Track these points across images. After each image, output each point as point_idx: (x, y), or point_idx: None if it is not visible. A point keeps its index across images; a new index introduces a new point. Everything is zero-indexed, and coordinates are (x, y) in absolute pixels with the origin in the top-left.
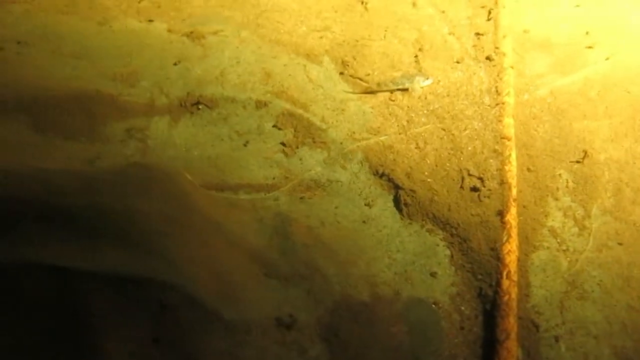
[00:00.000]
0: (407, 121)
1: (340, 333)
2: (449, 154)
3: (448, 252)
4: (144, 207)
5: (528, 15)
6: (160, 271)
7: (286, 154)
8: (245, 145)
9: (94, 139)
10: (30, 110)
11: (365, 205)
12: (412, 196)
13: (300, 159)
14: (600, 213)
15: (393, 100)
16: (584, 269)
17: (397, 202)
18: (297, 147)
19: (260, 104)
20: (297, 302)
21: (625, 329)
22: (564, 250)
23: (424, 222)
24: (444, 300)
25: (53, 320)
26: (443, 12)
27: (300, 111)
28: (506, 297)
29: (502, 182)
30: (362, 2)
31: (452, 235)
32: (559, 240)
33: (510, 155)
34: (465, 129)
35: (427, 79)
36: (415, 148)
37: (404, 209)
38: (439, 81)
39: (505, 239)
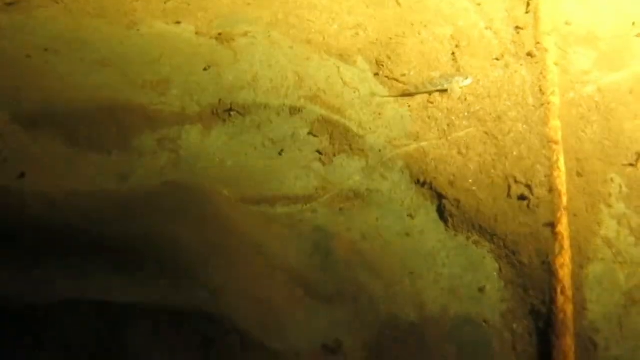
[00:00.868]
0: (448, 125)
1: (387, 357)
2: (493, 159)
3: (496, 265)
4: (182, 232)
5: (569, 5)
6: (203, 302)
7: (323, 163)
8: (280, 154)
9: (126, 151)
10: (61, 125)
11: (407, 216)
12: (457, 206)
13: (338, 168)
14: None
15: (432, 103)
16: None
17: (441, 212)
18: (334, 155)
19: (294, 110)
20: (342, 326)
21: None
22: (620, 263)
23: (470, 233)
24: (494, 318)
25: (97, 357)
26: (479, 4)
27: (336, 117)
28: (561, 315)
29: (552, 190)
30: None
31: (500, 247)
32: (614, 251)
33: (558, 160)
34: (509, 132)
35: (467, 78)
36: (458, 154)
37: (449, 220)
38: (479, 81)
39: (557, 251)
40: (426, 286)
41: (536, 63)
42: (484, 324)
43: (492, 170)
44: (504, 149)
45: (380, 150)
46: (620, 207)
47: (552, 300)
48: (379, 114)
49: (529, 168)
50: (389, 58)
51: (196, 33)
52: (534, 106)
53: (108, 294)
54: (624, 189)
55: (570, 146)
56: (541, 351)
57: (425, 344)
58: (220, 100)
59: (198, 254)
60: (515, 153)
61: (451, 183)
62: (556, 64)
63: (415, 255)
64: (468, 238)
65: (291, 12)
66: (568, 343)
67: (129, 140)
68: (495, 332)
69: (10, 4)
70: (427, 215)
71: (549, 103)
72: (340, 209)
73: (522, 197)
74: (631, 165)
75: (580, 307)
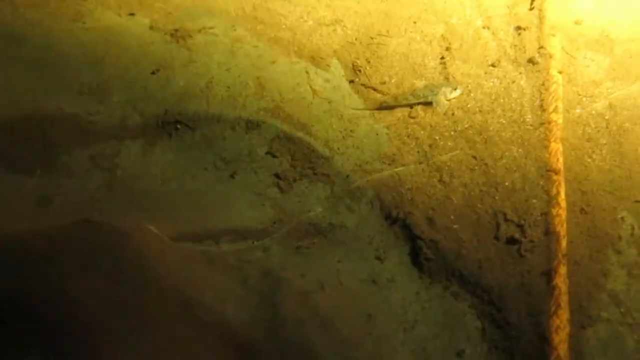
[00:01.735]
0: (430, 146)
1: None
2: (480, 191)
3: (479, 323)
4: (86, 291)
5: (580, 1)
6: None
7: (281, 189)
8: (232, 176)
9: (52, 170)
10: None
11: (375, 258)
12: (434, 248)
13: (298, 196)
14: None
15: (413, 118)
16: None
17: (415, 255)
18: (295, 181)
19: (251, 125)
20: None
21: None
22: (629, 324)
23: (448, 283)
24: None
25: None
26: None
27: (299, 134)
28: None
29: (548, 232)
30: None
31: (484, 302)
32: (622, 309)
33: (558, 193)
34: (501, 158)
35: (455, 89)
36: (439, 183)
37: (424, 265)
38: (470, 92)
39: (552, 309)
40: (393, 350)
41: (538, 72)
42: None
43: (479, 205)
44: (494, 178)
45: (348, 176)
46: (631, 253)
47: None
48: (351, 131)
49: (523, 203)
50: (368, 62)
51: (150, 27)
52: (532, 125)
53: None
54: (637, 231)
55: (574, 175)
56: None
57: None
58: (166, 110)
59: (105, 322)
60: (507, 183)
61: (429, 219)
62: (561, 73)
63: (381, 309)
64: (446, 288)
65: (262, 4)
66: None
67: (56, 157)
68: None
69: None
70: (398, 258)
71: (549, 122)
72: (297, 248)
73: (512, 240)
74: None
75: None
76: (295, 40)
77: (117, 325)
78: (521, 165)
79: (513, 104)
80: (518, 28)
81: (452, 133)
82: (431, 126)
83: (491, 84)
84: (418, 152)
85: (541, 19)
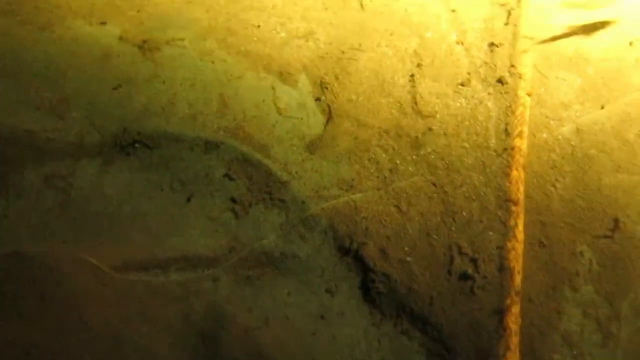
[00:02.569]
0: (390, 170)
1: None
2: (437, 221)
3: None
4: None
5: (559, 17)
6: None
7: (236, 215)
8: (188, 199)
9: (2, 190)
10: None
11: (325, 292)
12: (386, 282)
13: (252, 223)
14: (633, 314)
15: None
16: None
17: (366, 289)
18: (250, 206)
19: (210, 145)
20: None
21: None
22: None
23: (399, 319)
24: None
25: None
26: (453, 11)
27: (258, 156)
28: None
29: (503, 267)
30: None
31: (434, 340)
32: (575, 352)
33: (516, 225)
34: (461, 185)
35: None
36: (397, 211)
37: (376, 300)
38: (436, 113)
39: (501, 352)
40: None
41: (506, 93)
42: None
43: (435, 236)
44: (452, 207)
45: (303, 202)
46: (587, 290)
47: None
48: (311, 154)
49: (479, 235)
50: (337, 78)
51: (120, 38)
52: (495, 151)
53: None
54: (595, 267)
55: (535, 205)
56: None
57: None
58: (125, 128)
59: None
60: (464, 213)
61: (383, 251)
62: (530, 95)
63: (328, 348)
64: (396, 325)
65: (236, 14)
66: None
67: (8, 178)
68: None
69: None
70: (349, 292)
71: (513, 148)
72: (248, 278)
73: (464, 276)
74: (606, 236)
75: None
76: (265, 53)
77: None
78: (481, 194)
79: (478, 127)
80: (491, 44)
81: (414, 157)
82: (394, 149)
83: (458, 104)
84: (377, 177)
85: (515, 35)
